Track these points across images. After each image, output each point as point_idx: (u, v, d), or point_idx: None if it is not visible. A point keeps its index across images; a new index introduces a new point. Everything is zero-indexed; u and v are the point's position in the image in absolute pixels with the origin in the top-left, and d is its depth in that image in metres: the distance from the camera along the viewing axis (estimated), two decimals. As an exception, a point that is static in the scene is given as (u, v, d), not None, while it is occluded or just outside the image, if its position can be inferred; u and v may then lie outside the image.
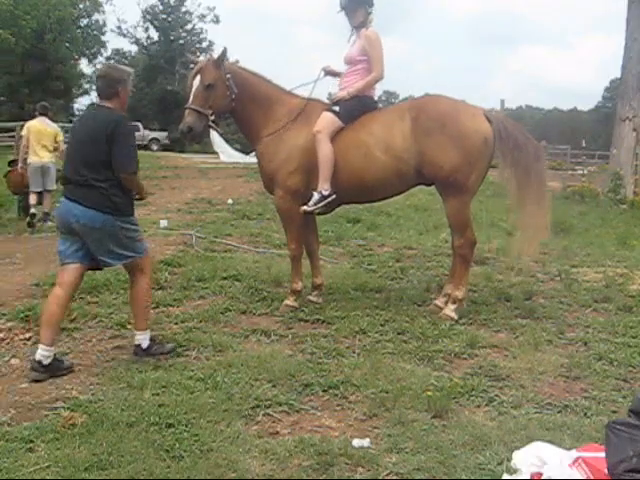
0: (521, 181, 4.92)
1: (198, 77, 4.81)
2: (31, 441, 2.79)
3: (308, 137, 4.83)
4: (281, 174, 4.89)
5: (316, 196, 4.78)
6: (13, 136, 24.98)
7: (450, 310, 4.79)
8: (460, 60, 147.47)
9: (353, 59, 5.00)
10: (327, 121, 4.85)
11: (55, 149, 9.04)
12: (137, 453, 2.67)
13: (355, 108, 4.91)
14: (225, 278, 5.73)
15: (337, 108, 4.92)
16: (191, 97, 4.81)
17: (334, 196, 4.80)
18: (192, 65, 5.12)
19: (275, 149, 4.91)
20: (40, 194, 8.97)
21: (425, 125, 4.71)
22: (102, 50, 43.39)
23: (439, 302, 5.02)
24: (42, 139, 8.94)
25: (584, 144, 21.11)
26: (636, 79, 14.44)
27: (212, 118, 4.83)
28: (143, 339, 3.89)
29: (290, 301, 4.95)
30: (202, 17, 45.83)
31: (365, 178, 4.81)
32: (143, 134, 37.65)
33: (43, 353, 3.59)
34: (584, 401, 3.35)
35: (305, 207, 4.81)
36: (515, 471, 2.46)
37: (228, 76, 4.83)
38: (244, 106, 4.94)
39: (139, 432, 2.86)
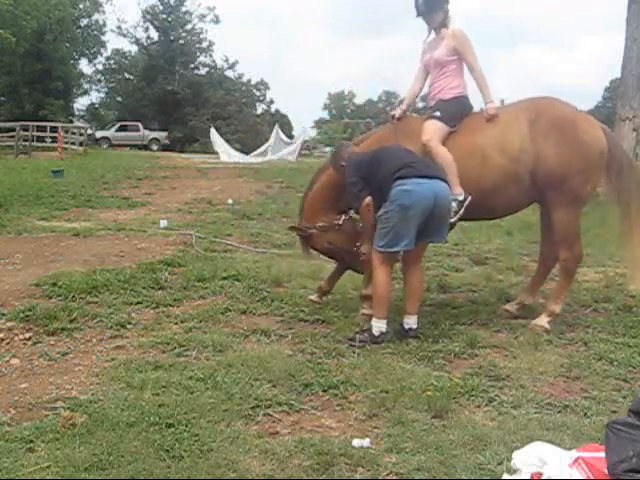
0: (623, 211, 4.82)
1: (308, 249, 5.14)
2: (31, 441, 2.79)
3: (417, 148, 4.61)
4: None
5: (453, 204, 4.49)
6: (13, 136, 25.01)
7: (544, 322, 4.56)
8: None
9: (442, 61, 4.83)
10: (434, 128, 4.67)
11: None
12: (137, 453, 2.67)
13: (456, 110, 4.76)
14: (225, 278, 5.73)
15: (438, 113, 4.73)
16: (349, 256, 4.98)
17: (470, 197, 4.53)
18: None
19: None
20: None
21: (544, 128, 4.52)
22: (102, 50, 43.54)
23: (510, 307, 4.92)
24: None
25: (584, 144, 21.03)
26: (636, 79, 14.42)
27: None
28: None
29: None
30: (202, 17, 46.03)
31: (482, 185, 4.55)
32: (143, 134, 37.67)
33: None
34: (584, 401, 3.34)
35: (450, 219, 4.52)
36: (515, 471, 2.46)
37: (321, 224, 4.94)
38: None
39: (139, 432, 2.85)
